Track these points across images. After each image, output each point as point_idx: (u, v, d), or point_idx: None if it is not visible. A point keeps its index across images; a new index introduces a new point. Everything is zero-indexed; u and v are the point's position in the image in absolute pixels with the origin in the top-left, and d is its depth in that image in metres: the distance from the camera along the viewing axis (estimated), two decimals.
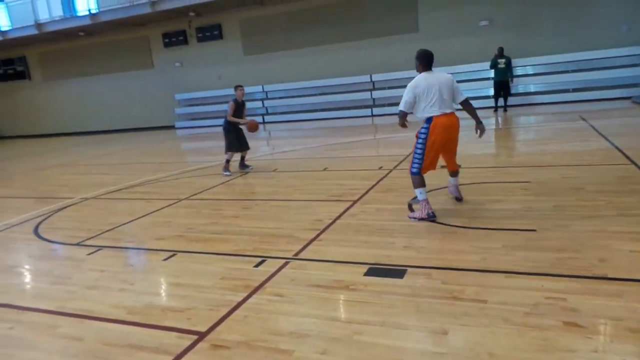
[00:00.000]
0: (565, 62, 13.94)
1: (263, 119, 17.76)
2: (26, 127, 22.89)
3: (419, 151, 4.34)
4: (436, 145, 4.29)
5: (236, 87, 7.65)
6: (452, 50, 14.81)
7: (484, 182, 5.56)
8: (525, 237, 3.68)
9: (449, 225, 4.17)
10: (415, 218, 4.36)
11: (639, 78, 13.22)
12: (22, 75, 22.27)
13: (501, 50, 13.08)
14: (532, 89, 14.63)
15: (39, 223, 5.75)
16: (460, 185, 5.44)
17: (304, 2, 16.50)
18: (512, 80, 13.25)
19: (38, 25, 18.56)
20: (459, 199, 4.84)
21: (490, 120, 11.94)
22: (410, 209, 4.74)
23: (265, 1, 16.64)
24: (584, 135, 8.34)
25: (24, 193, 8.09)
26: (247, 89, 17.92)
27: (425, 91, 4.25)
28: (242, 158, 7.95)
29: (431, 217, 4.28)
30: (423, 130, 4.32)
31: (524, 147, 8.45)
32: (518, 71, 14.54)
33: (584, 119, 10.25)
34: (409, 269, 3.30)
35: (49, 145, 17.69)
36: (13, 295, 3.63)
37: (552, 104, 13.88)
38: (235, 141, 7.61)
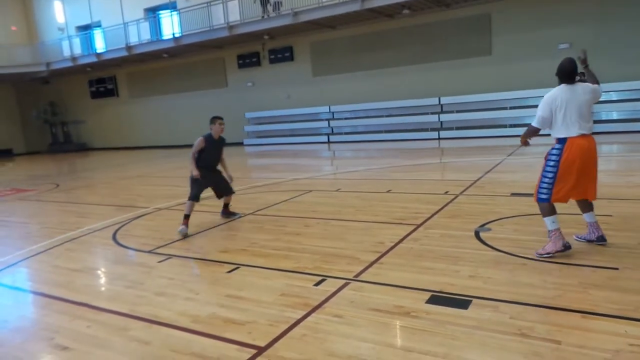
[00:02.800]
0: None
1: (328, 138, 18.00)
2: (113, 139, 24.84)
3: (549, 175, 3.82)
4: (572, 169, 3.74)
5: (214, 119, 5.84)
6: (527, 74, 14.22)
7: (559, 213, 5.21)
8: (606, 276, 3.40)
9: (518, 256, 3.95)
10: (549, 253, 3.81)
11: None
12: (112, 92, 24.33)
13: (582, 74, 12.31)
14: (615, 116, 13.64)
15: (117, 229, 6.17)
16: (530, 215, 5.18)
17: (373, 25, 16.69)
18: None
19: (128, 47, 20.27)
20: (603, 238, 4.01)
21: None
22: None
23: (336, 25, 17.03)
24: None
25: (107, 200, 8.74)
26: (315, 109, 18.50)
27: (562, 106, 3.76)
28: (226, 205, 6.29)
29: (567, 248, 3.81)
30: (555, 152, 3.82)
31: (605, 178, 7.84)
32: (601, 97, 13.60)
33: None
34: (474, 300, 3.16)
35: (131, 157, 19.06)
36: (91, 295, 3.90)
37: (638, 132, 12.83)
38: (199, 189, 5.77)
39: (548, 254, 3.86)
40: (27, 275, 4.75)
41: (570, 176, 3.79)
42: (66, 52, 22.44)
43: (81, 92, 25.39)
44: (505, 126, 14.76)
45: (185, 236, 5.47)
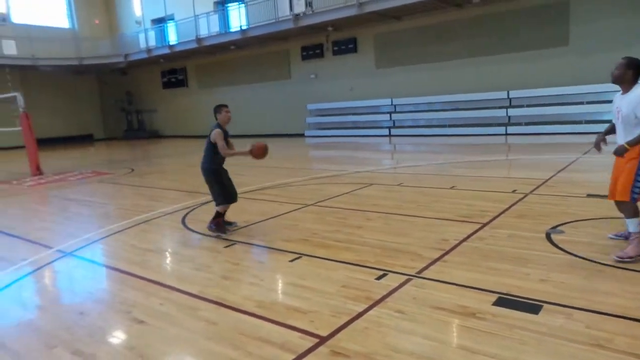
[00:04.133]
0: None
1: (389, 131, 17.78)
2: (182, 128, 26.06)
3: None
4: None
5: (220, 108, 5.34)
6: (607, 66, 13.11)
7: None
8: None
9: (595, 262, 3.72)
10: (631, 257, 3.62)
11: None
12: (182, 83, 25.50)
13: None
14: None
15: (186, 214, 6.50)
16: (609, 218, 4.85)
17: (441, 16, 16.18)
18: None
19: (198, 40, 21.11)
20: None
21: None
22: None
23: (401, 15, 16.69)
24: None
25: (177, 186, 9.22)
26: (376, 102, 18.34)
27: None
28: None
29: None
30: None
31: None
32: None
33: None
34: (545, 305, 3.02)
35: (199, 145, 19.86)
36: (163, 275, 4.16)
37: None
38: (230, 188, 5.38)
39: (630, 258, 3.63)
40: (106, 252, 5.14)
41: None
42: (142, 44, 23.75)
43: (154, 82, 26.83)
44: (580, 122, 13.81)
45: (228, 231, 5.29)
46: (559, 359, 2.44)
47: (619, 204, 3.86)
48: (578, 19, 13.83)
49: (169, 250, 5.15)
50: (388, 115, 18.05)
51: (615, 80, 3.85)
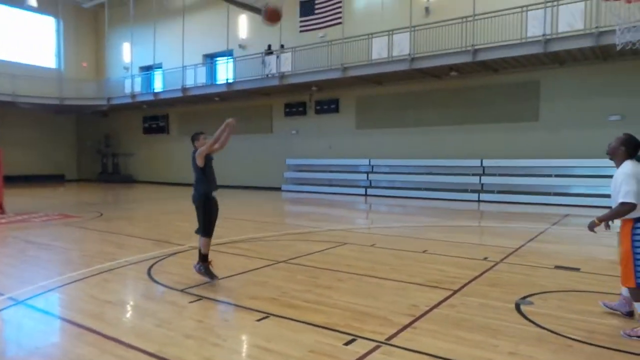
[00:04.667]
0: None
1: (366, 191, 17.99)
2: (158, 174, 25.79)
3: None
4: None
5: (197, 135, 5.55)
6: (575, 143, 13.93)
7: (608, 292, 4.90)
8: None
9: (564, 336, 3.70)
10: (639, 337, 3.61)
11: None
12: (163, 129, 25.56)
13: None
14: None
15: (152, 264, 6.28)
16: (576, 291, 4.91)
17: (420, 84, 16.97)
18: None
19: (184, 89, 21.47)
20: (631, 313, 4.02)
21: (616, 223, 10.71)
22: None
23: (383, 81, 17.46)
24: None
25: (146, 234, 8.97)
26: (354, 161, 18.68)
27: None
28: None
29: None
30: (639, 231, 3.67)
31: None
32: None
33: None
34: None
35: (174, 192, 19.66)
36: (122, 330, 3.93)
37: None
38: (213, 223, 5.38)
39: (639, 337, 3.61)
40: (62, 302, 4.86)
41: None
42: (127, 89, 23.98)
43: (134, 127, 26.82)
44: (549, 194, 14.31)
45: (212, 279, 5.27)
46: None
47: (629, 289, 3.81)
48: (547, 97, 14.71)
49: (130, 302, 4.92)
50: (365, 175, 18.35)
51: (608, 153, 3.97)
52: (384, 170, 18.10)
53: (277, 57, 18.57)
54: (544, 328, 3.88)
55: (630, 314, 4.02)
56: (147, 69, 25.04)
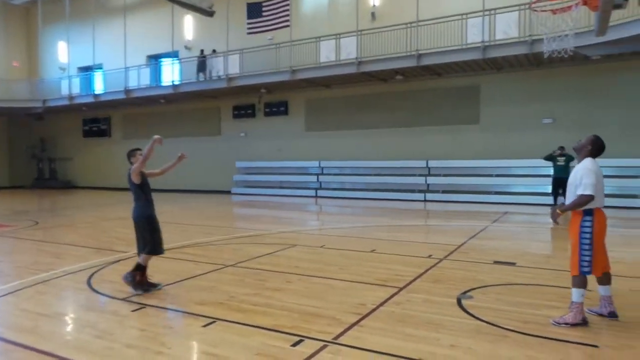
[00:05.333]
0: (635, 166, 13.37)
1: (316, 193, 18.10)
2: (100, 179, 24.62)
3: (586, 247, 3.92)
4: (601, 240, 3.95)
5: (133, 151, 5.32)
6: (512, 144, 14.76)
7: (541, 285, 5.22)
8: (586, 353, 3.36)
9: (500, 327, 3.90)
10: (567, 323, 3.87)
11: None
12: (105, 133, 24.44)
13: (562, 148, 12.92)
14: None
15: (93, 273, 5.99)
16: (513, 284, 5.18)
17: (367, 87, 17.33)
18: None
19: (127, 91, 20.65)
20: (614, 314, 4.07)
21: (548, 219, 11.44)
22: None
23: (331, 84, 17.65)
24: None
25: (86, 242, 8.54)
26: (304, 163, 18.73)
27: (600, 180, 3.96)
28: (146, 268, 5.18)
29: (585, 323, 3.89)
30: (587, 224, 3.94)
31: None
32: None
33: None
34: None
35: (116, 198, 18.84)
36: (57, 344, 3.72)
37: (620, 208, 13.14)
38: (160, 238, 5.26)
39: (567, 324, 3.88)
40: None
41: (603, 248, 3.98)
42: (64, 91, 22.73)
43: (73, 130, 25.48)
44: (490, 193, 15.04)
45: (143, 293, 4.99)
46: None
47: (572, 277, 4.05)
48: (487, 101, 15.47)
49: (68, 314, 4.67)
50: (315, 176, 18.46)
51: (575, 148, 4.25)
52: (334, 172, 18.30)
53: (225, 58, 18.31)
54: (482, 320, 4.07)
55: (611, 315, 4.07)
56: (86, 70, 23.88)
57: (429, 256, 6.78)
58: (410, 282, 5.34)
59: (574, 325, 3.87)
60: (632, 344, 3.54)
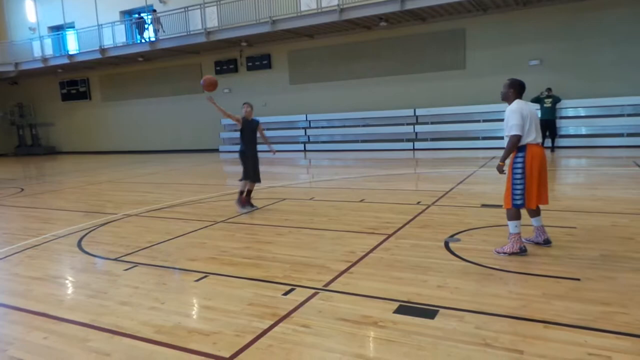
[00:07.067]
0: (620, 105, 13.41)
1: (304, 147, 18.02)
2: (83, 143, 24.22)
3: (518, 182, 4.12)
4: (534, 174, 4.09)
5: (243, 105, 7.10)
6: (498, 88, 14.54)
7: (526, 225, 5.32)
8: (568, 286, 3.48)
9: (486, 266, 4.01)
10: (505, 253, 4.20)
11: None
12: (84, 95, 23.77)
13: (549, 90, 12.88)
14: (583, 131, 14.11)
15: (83, 236, 5.99)
16: (498, 226, 5.28)
17: (351, 36, 16.87)
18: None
19: (102, 50, 19.89)
20: (548, 241, 4.42)
21: None
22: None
23: (314, 34, 17.13)
24: (638, 183, 7.90)
25: (74, 206, 8.49)
26: (291, 117, 18.48)
27: (527, 118, 4.11)
28: (249, 192, 7.01)
29: (523, 252, 4.17)
30: (519, 160, 4.14)
31: (571, 191, 8.09)
32: (569, 112, 14.11)
33: (639, 166, 9.73)
34: (441, 310, 3.18)
35: (101, 161, 18.61)
36: (51, 305, 3.76)
37: (605, 147, 13.30)
38: (250, 170, 6.85)
39: (504, 253, 4.20)
40: None
41: (537, 182, 4.12)
42: (37, 53, 21.82)
43: (51, 94, 24.73)
44: (477, 138, 15.08)
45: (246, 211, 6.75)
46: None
47: (506, 210, 4.30)
48: (473, 45, 15.18)
49: (60, 277, 4.69)
50: (303, 130, 18.30)
51: (503, 98, 4.41)
52: (322, 124, 18.13)
53: (202, 10, 17.57)
54: (468, 261, 4.18)
55: (546, 242, 4.42)
56: (58, 29, 22.86)
57: (418, 203, 6.86)
58: (399, 229, 5.42)
59: (511, 254, 4.18)
60: (613, 275, 3.67)
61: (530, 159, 4.09)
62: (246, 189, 6.88)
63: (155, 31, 18.77)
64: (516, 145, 4.14)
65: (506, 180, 4.26)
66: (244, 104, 7.05)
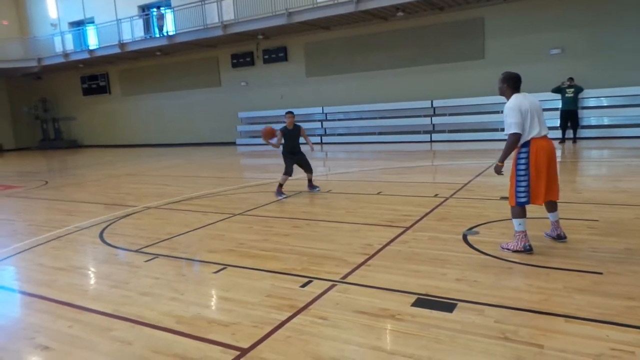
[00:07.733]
0: None
1: (321, 139, 18.00)
2: (104, 137, 24.66)
3: (522, 179, 4.01)
4: (540, 169, 3.95)
5: (285, 115, 7.80)
6: None
7: (545, 217, 5.23)
8: (590, 280, 3.42)
9: (505, 260, 3.97)
10: (509, 249, 4.11)
11: None
12: (104, 90, 24.15)
13: (571, 79, 12.58)
14: (606, 121, 13.76)
15: (105, 228, 6.12)
16: None
17: (367, 27, 16.72)
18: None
19: (121, 44, 20.14)
20: (561, 236, 4.32)
21: (557, 152, 11.33)
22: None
23: (330, 26, 17.03)
24: None
25: (96, 199, 8.67)
26: (307, 110, 18.45)
27: (527, 112, 3.96)
28: (309, 180, 7.95)
29: (528, 250, 4.03)
30: (522, 155, 4.01)
31: (593, 183, 7.92)
32: (591, 102, 13.76)
33: None
34: (460, 303, 3.16)
35: (122, 155, 18.92)
36: (75, 294, 3.86)
37: (629, 138, 12.96)
38: (289, 167, 7.69)
39: (508, 249, 4.12)
40: (10, 274, 4.69)
41: (543, 177, 3.99)
42: (58, 48, 22.23)
43: (73, 88, 25.20)
44: (496, 130, 14.83)
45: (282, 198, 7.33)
46: (470, 353, 2.55)
47: (510, 208, 4.21)
48: (492, 34, 14.89)
49: (83, 267, 4.81)
50: (320, 123, 18.27)
51: (500, 93, 4.26)
52: (338, 117, 18.07)
53: (219, 3, 17.62)
54: (487, 255, 4.13)
55: (559, 237, 4.34)
56: (78, 25, 23.21)
57: (435, 195, 6.81)
58: (417, 222, 5.39)
59: (515, 251, 4.07)
60: (637, 269, 3.59)
61: (535, 153, 3.94)
62: (284, 181, 7.69)
63: (160, 28, 18.95)
64: (516, 144, 4.02)
65: (510, 177, 4.17)
66: (287, 112, 7.76)
